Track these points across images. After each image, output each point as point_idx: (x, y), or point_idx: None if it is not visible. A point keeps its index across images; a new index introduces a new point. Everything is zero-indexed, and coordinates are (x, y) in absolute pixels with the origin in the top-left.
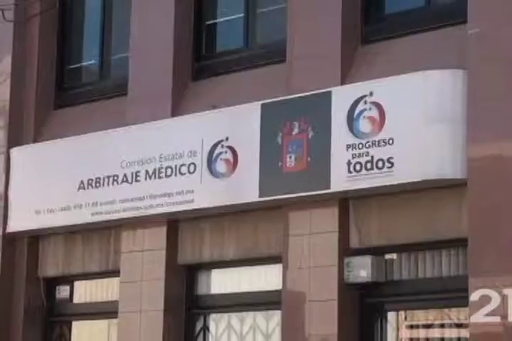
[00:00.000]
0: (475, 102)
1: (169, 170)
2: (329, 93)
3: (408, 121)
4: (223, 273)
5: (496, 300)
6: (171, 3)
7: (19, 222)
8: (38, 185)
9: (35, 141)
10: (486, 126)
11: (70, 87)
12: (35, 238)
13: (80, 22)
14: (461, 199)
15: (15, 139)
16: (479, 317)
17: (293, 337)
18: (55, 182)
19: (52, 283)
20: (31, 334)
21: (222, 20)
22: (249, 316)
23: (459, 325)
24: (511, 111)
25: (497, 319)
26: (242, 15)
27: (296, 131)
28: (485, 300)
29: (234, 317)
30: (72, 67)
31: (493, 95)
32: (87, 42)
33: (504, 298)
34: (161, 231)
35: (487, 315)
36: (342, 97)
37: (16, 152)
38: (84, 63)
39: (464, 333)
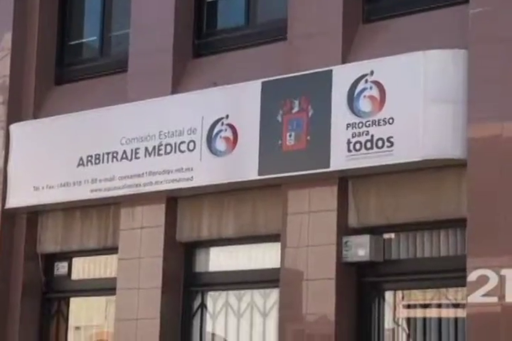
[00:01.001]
0: (475, 82)
1: (169, 148)
2: (330, 72)
3: (408, 100)
4: (221, 251)
5: (493, 280)
6: None
7: (18, 198)
8: (38, 161)
9: (34, 117)
10: (487, 106)
11: (70, 63)
12: (33, 214)
13: None
14: (461, 179)
15: (14, 115)
16: (477, 297)
17: (290, 315)
18: (55, 159)
19: (51, 259)
20: (29, 310)
21: None
22: (246, 294)
23: (456, 305)
24: (511, 92)
25: (494, 299)
26: None
27: (296, 109)
28: (483, 280)
29: (231, 295)
30: (72, 43)
31: (494, 75)
32: (88, 18)
33: (502, 279)
34: (160, 209)
35: (484, 295)
36: (342, 76)
37: (15, 128)
38: (84, 39)
39: (461, 313)
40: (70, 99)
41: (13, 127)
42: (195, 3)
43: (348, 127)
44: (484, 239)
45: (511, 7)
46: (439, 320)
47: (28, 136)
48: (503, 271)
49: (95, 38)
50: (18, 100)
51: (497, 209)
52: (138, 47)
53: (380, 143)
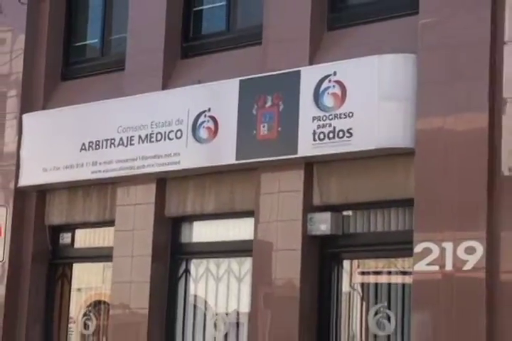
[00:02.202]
0: (423, 83)
1: (159, 136)
2: (298, 72)
3: (366, 97)
4: (203, 225)
5: (435, 251)
6: None
7: (29, 178)
8: (46, 146)
9: (43, 108)
10: (432, 103)
11: (75, 62)
12: (42, 192)
13: (85, 5)
14: (409, 165)
15: (26, 106)
16: (421, 266)
17: (262, 280)
18: (60, 144)
19: (57, 230)
20: (38, 274)
21: (207, 7)
22: (224, 262)
23: (404, 273)
24: (453, 91)
25: (436, 268)
26: (224, 3)
27: (269, 104)
28: (427, 251)
29: (211, 263)
30: (77, 44)
31: (439, 77)
32: (91, 23)
33: (442, 250)
34: (151, 188)
35: (428, 264)
36: (309, 76)
37: (27, 118)
38: (87, 42)
39: (408, 280)
40: (75, 93)
41: (25, 117)
42: (183, 12)
43: (313, 120)
44: (428, 216)
45: (454, 19)
46: (389, 285)
47: (37, 124)
48: (444, 244)
49: (97, 40)
50: (29, 94)
51: (439, 192)
52: (133, 49)
53: (340, 134)
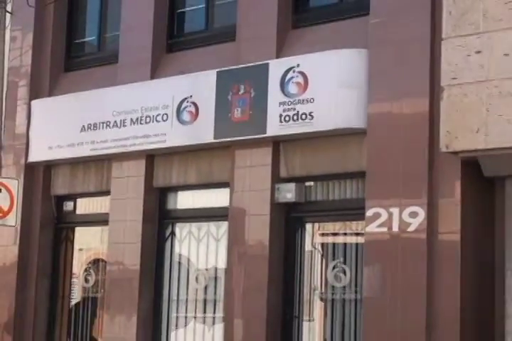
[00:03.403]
0: (373, 73)
1: (148, 119)
2: (267, 64)
3: (325, 85)
4: (186, 194)
5: (384, 216)
6: None
7: (37, 155)
8: (51, 128)
9: (49, 95)
10: (381, 90)
11: (76, 56)
12: (48, 167)
13: (84, 8)
14: (362, 143)
15: (34, 94)
16: (372, 228)
17: (236, 241)
18: (64, 126)
19: (61, 199)
20: (45, 237)
21: (188, 9)
22: (204, 225)
23: (357, 234)
24: (399, 80)
25: (384, 229)
26: (203, 5)
27: (242, 91)
28: (376, 216)
29: (193, 226)
30: (77, 41)
31: (386, 68)
32: (89, 23)
33: (390, 215)
34: (141, 163)
35: (378, 226)
36: (276, 67)
37: (35, 103)
38: (86, 39)
39: (361, 240)
40: (75, 82)
41: (33, 103)
42: (168, 13)
43: (280, 105)
44: (378, 186)
45: (399, 19)
46: (345, 244)
47: (44, 109)
48: (391, 209)
49: (94, 37)
50: (37, 83)
51: (387, 165)
52: (125, 45)
53: (303, 117)
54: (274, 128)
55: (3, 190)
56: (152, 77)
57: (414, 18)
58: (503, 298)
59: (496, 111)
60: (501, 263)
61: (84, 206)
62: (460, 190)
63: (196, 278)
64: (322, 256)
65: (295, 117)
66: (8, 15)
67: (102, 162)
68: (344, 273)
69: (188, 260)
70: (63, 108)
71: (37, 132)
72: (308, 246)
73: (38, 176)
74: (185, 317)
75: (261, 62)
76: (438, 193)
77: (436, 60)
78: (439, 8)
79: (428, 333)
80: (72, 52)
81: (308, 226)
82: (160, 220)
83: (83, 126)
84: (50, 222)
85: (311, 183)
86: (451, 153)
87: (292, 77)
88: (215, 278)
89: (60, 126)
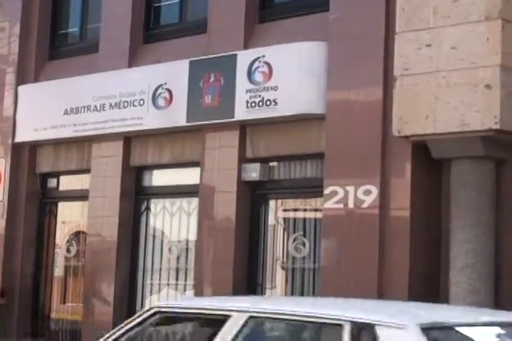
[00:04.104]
0: (332, 63)
1: (126, 103)
2: (235, 55)
3: (288, 75)
4: (160, 172)
5: (340, 193)
6: None
7: (23, 135)
8: (36, 111)
9: (34, 81)
10: (339, 80)
11: (60, 46)
12: (33, 147)
13: (68, 1)
14: (321, 127)
15: (21, 80)
16: (329, 204)
17: (206, 215)
18: (48, 109)
19: (45, 176)
20: (30, 211)
21: (164, 3)
22: (177, 201)
23: (316, 210)
24: (356, 70)
25: (341, 206)
26: (177, 0)
27: (212, 79)
28: (334, 193)
29: (167, 202)
30: (61, 32)
31: (344, 59)
32: (72, 15)
33: (346, 192)
34: (119, 144)
35: (335, 203)
36: (244, 58)
37: (21, 89)
38: (69, 30)
39: (319, 215)
40: (59, 69)
41: (20, 88)
42: (145, 7)
43: (246, 92)
44: (335, 166)
45: (356, 14)
46: (304, 219)
47: (30, 94)
48: (347, 188)
49: (76, 29)
50: (23, 70)
51: (344, 147)
52: (106, 36)
53: (268, 103)
54: (241, 113)
55: None
56: (130, 66)
57: (370, 14)
58: (448, 267)
59: (444, 99)
60: (447, 235)
61: (67, 183)
62: (410, 170)
63: (169, 249)
64: (284, 229)
65: (260, 103)
66: None
67: (83, 143)
68: (304, 245)
69: (162, 232)
70: (47, 93)
71: (23, 115)
72: (271, 221)
73: (24, 155)
74: (159, 284)
75: (230, 53)
76: (390, 173)
77: (390, 53)
78: (392, 5)
79: (380, 298)
80: (56, 42)
81: (272, 202)
82: (136, 196)
83: (66, 110)
84: (35, 197)
85: (275, 163)
86: (402, 137)
87: (258, 67)
88: (187, 249)
89: (45, 110)
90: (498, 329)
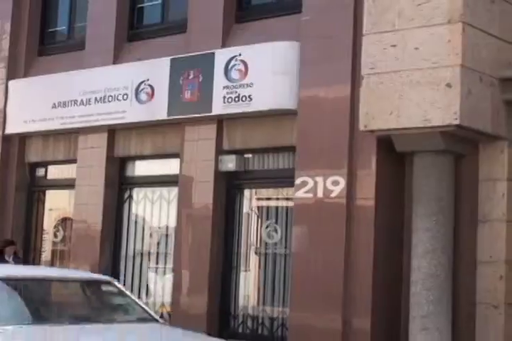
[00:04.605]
0: (304, 62)
1: (110, 98)
2: (213, 53)
3: (262, 72)
4: (142, 163)
5: (310, 183)
6: None
7: (13, 127)
8: (26, 105)
9: (24, 76)
10: (310, 77)
11: (48, 43)
12: (23, 138)
13: (56, 1)
14: (293, 122)
15: (11, 75)
16: (300, 193)
17: (185, 203)
18: (37, 103)
19: (34, 166)
20: (20, 199)
21: (147, 4)
22: (157, 190)
23: (287, 199)
24: (326, 69)
25: (311, 195)
26: (159, 1)
27: (191, 76)
28: (304, 183)
29: (148, 190)
30: (50, 30)
31: (315, 58)
32: (60, 14)
33: (315, 183)
34: (104, 136)
35: (305, 192)
36: (221, 56)
37: (12, 83)
38: (57, 28)
39: (291, 204)
40: (48, 65)
41: (10, 83)
42: (129, 7)
43: (224, 88)
44: (306, 158)
45: (326, 17)
46: (277, 207)
47: (20, 88)
48: (317, 178)
49: (64, 27)
50: (14, 65)
51: (314, 141)
52: (92, 34)
53: (243, 98)
54: (218, 107)
55: None
56: (114, 63)
57: (340, 17)
58: (410, 252)
59: (407, 96)
60: (409, 223)
61: (54, 172)
62: (375, 162)
63: (150, 235)
64: (257, 217)
65: (236, 99)
66: None
67: (70, 134)
68: (276, 231)
69: (144, 219)
70: (37, 88)
71: (13, 108)
72: (245, 209)
73: (14, 146)
74: (141, 267)
75: (208, 52)
76: (357, 165)
77: (358, 53)
78: (360, 8)
79: (345, 281)
80: (45, 40)
81: (246, 191)
82: (119, 185)
83: (54, 104)
84: (24, 186)
85: (249, 155)
86: (368, 131)
87: (235, 65)
88: (167, 235)
89: (34, 103)
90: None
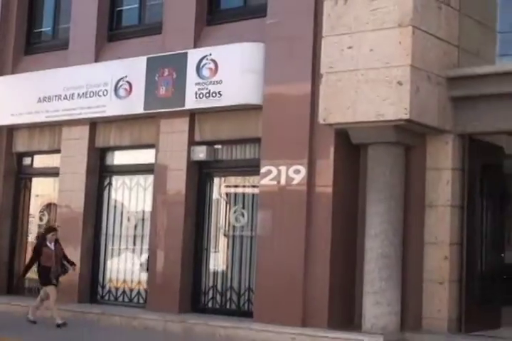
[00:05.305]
0: (269, 62)
1: (92, 93)
2: (186, 53)
3: (231, 70)
4: (121, 153)
5: (274, 172)
6: None
7: (1, 120)
8: (14, 99)
9: (12, 73)
10: (274, 75)
11: (35, 43)
12: (11, 130)
13: (42, 4)
14: (259, 115)
15: (0, 72)
16: (265, 181)
17: (159, 190)
18: (24, 98)
19: (21, 155)
20: (8, 186)
21: (125, 8)
22: (135, 177)
23: (253, 186)
24: (288, 68)
25: (274, 183)
26: (137, 5)
27: (166, 73)
28: (268, 172)
29: (126, 178)
30: (36, 30)
31: (279, 58)
32: (46, 16)
33: (279, 171)
34: (86, 128)
35: (269, 180)
36: (193, 56)
37: (0, 79)
38: (43, 29)
39: (256, 190)
40: (34, 63)
41: None
42: (109, 10)
43: (195, 85)
44: (270, 149)
45: (289, 20)
46: (244, 194)
47: (8, 84)
48: (280, 167)
49: (49, 28)
50: (2, 63)
51: (278, 133)
52: (74, 35)
53: (214, 94)
54: (190, 102)
55: None
56: (95, 61)
57: (301, 20)
58: (364, 234)
59: (362, 93)
60: (363, 208)
61: (40, 161)
62: (333, 153)
63: (128, 219)
64: (226, 202)
65: (207, 95)
66: None
67: (54, 127)
68: (243, 215)
69: (122, 204)
70: (24, 83)
71: (2, 102)
72: (215, 195)
73: (2, 137)
74: (119, 248)
75: (181, 51)
76: (316, 155)
77: (317, 53)
78: (320, 13)
79: (305, 260)
80: (31, 39)
81: (216, 179)
82: (100, 173)
83: (39, 98)
84: (12, 174)
85: (219, 146)
86: (327, 125)
87: (205, 64)
88: (143, 219)
89: (21, 98)
90: None
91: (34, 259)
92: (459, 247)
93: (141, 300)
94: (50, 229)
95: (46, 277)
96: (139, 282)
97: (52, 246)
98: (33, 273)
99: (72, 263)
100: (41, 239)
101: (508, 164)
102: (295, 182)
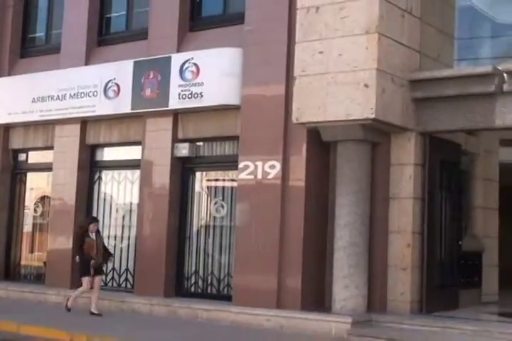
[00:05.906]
0: (246, 65)
1: (83, 94)
2: (170, 57)
3: (211, 73)
4: (110, 149)
5: (251, 167)
6: (87, 3)
7: None
8: (10, 99)
9: (8, 75)
10: (251, 78)
11: (29, 47)
12: (7, 128)
13: (36, 10)
14: (237, 115)
15: None
16: (243, 176)
17: (146, 184)
18: (20, 98)
19: (16, 152)
20: (4, 180)
21: (114, 15)
22: (123, 172)
23: (232, 180)
24: (264, 71)
25: (252, 177)
26: (124, 12)
27: (151, 76)
28: (246, 167)
29: (115, 172)
30: (30, 36)
31: (256, 62)
32: (39, 22)
33: (256, 166)
34: (77, 126)
35: (247, 175)
36: (177, 60)
37: None
38: (37, 34)
39: (235, 184)
40: (29, 66)
41: None
42: (99, 17)
43: (179, 86)
44: (248, 146)
45: (265, 27)
46: (223, 187)
47: (4, 85)
48: (257, 163)
49: (43, 33)
50: None
51: (255, 131)
52: (66, 40)
53: (196, 95)
54: (174, 103)
55: None
56: (86, 64)
57: (276, 27)
58: (334, 224)
59: (332, 94)
60: (333, 200)
61: (34, 157)
62: (305, 149)
63: (116, 210)
64: (207, 195)
65: (190, 96)
66: None
67: (48, 125)
68: (222, 207)
69: (111, 197)
70: (19, 85)
71: None
72: (197, 188)
73: None
74: (108, 237)
75: (165, 55)
76: (290, 152)
77: (291, 57)
78: (293, 21)
79: (280, 249)
80: (26, 44)
81: (198, 174)
82: (91, 168)
83: (34, 99)
84: (8, 169)
85: (201, 143)
86: (299, 123)
87: (188, 67)
88: (130, 211)
89: (17, 98)
90: None
91: (80, 250)
92: (420, 236)
93: (129, 286)
94: (91, 219)
95: (86, 268)
96: (127, 269)
97: (93, 236)
98: (29, 261)
99: (110, 254)
100: (83, 229)
101: (465, 160)
102: (270, 176)
